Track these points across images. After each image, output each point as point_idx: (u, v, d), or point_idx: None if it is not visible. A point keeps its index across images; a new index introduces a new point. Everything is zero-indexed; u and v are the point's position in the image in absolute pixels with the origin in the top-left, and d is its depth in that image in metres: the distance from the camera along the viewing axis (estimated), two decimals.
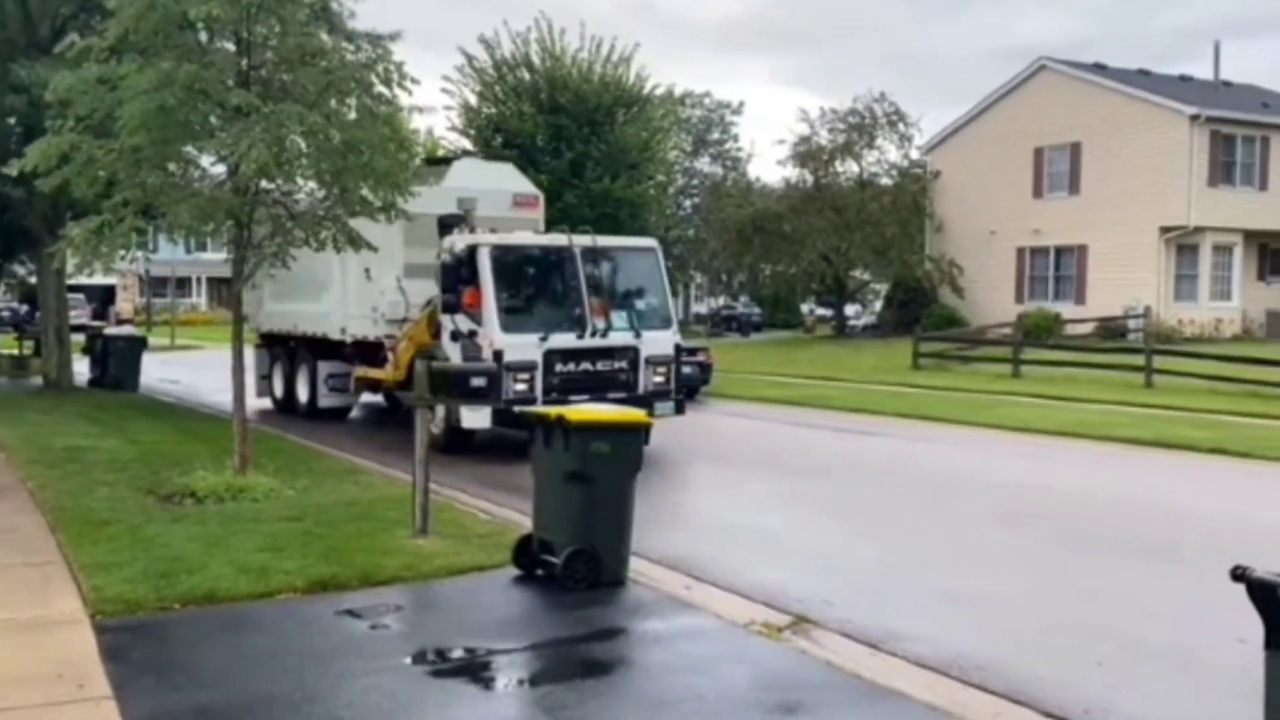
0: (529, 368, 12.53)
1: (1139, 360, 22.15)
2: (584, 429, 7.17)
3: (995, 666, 5.83)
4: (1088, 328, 31.32)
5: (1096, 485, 11.79)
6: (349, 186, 10.39)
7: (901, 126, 39.35)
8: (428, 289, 13.90)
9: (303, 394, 17.37)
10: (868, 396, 20.67)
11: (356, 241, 10.76)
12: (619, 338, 13.17)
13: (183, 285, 63.21)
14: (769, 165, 59.41)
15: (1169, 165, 31.93)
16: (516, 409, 10.85)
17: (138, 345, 22.93)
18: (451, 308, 12.77)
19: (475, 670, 5.74)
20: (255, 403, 17.70)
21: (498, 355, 12.28)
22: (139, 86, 9.32)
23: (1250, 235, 33.14)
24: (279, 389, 18.16)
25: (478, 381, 8.54)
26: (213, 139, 9.89)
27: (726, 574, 7.70)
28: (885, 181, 39.49)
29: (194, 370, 27.18)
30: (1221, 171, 32.60)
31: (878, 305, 44.73)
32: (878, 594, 7.43)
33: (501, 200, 15.10)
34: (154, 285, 56.92)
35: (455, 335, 12.92)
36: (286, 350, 17.97)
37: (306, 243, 10.81)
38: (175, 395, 21.29)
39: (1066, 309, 33.09)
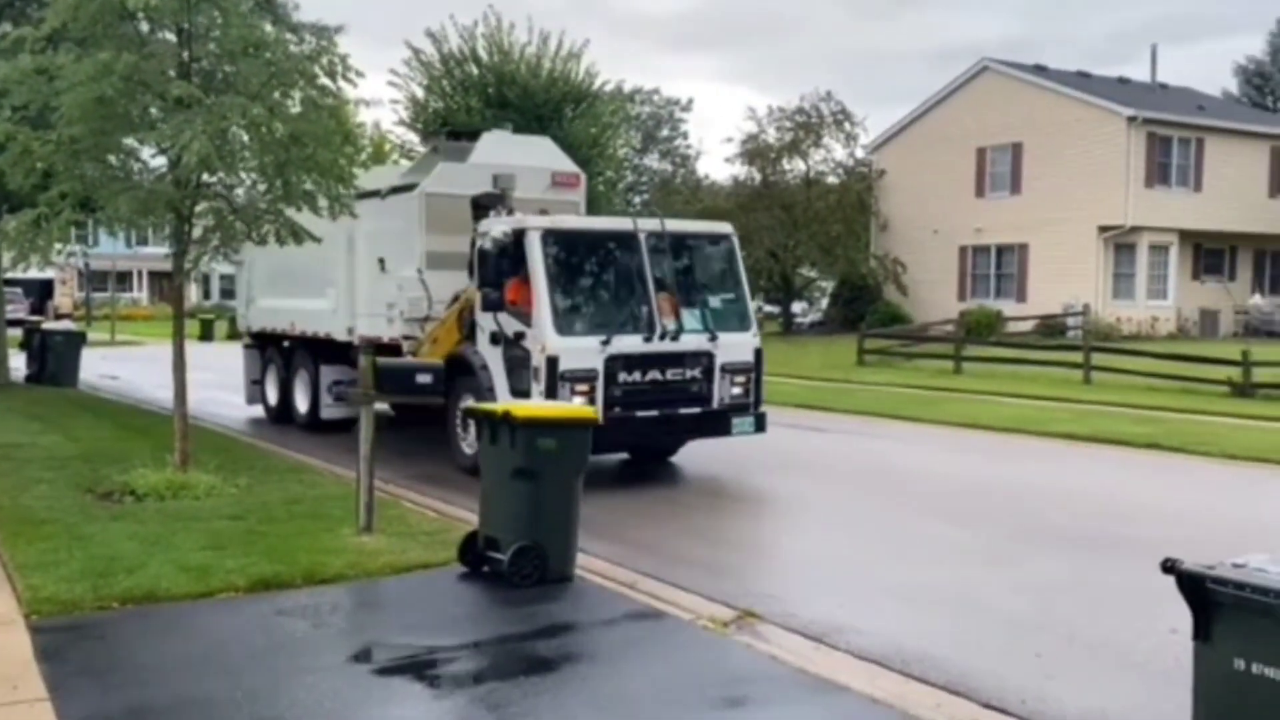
0: (589, 378, 10.45)
1: (1078, 357, 22.56)
2: (530, 425, 7.17)
3: (936, 659, 5.92)
4: (1028, 325, 31.85)
5: (1036, 479, 12.00)
6: (291, 180, 10.27)
7: (847, 125, 39.74)
8: (455, 282, 12.11)
9: (301, 403, 15.31)
10: (816, 393, 20.84)
11: (300, 235, 10.63)
12: (692, 341, 11.11)
13: (123, 279, 62.04)
14: (717, 163, 59.77)
15: (1107, 166, 32.55)
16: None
17: (76, 340, 22.49)
18: (492, 305, 10.76)
19: (420, 668, 5.71)
20: (246, 411, 16.69)
21: (552, 363, 10.35)
22: (77, 77, 9.14)
23: (1185, 235, 33.87)
24: (273, 396, 16.11)
25: (423, 378, 8.50)
26: (153, 131, 9.73)
27: (674, 570, 7.73)
28: (832, 180, 39.84)
29: (134, 366, 26.72)
30: (1158, 172, 33.30)
31: (824, 303, 45.10)
32: (823, 588, 7.50)
33: (538, 179, 12.94)
34: (93, 279, 55.82)
35: (496, 338, 11.00)
36: (282, 352, 15.92)
37: (249, 237, 10.67)
38: (115, 391, 20.91)
39: (1008, 307, 33.62)
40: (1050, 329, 31.49)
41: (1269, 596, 3.70)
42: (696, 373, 11.11)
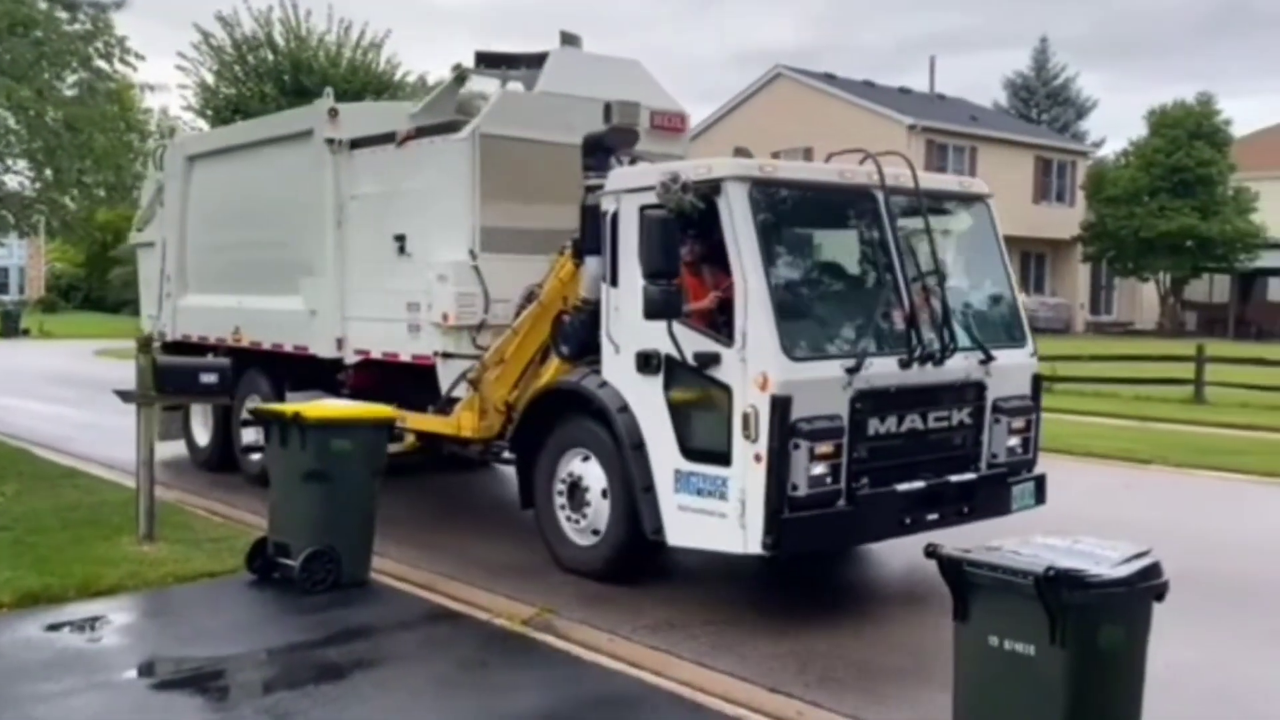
0: (834, 432, 6.34)
1: None
2: (322, 426, 7.00)
3: (724, 649, 6.11)
4: None
5: None
6: (63, 167, 9.68)
7: None
8: (524, 271, 8.27)
9: None
10: None
11: (72, 226, 10.03)
12: (959, 365, 7.04)
13: None
14: None
15: None
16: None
17: None
18: (665, 307, 6.39)
19: (203, 680, 5.51)
20: (160, 451, 11.85)
21: (780, 407, 6.14)
22: None
23: None
24: (203, 434, 11.57)
25: (208, 378, 8.13)
26: None
27: (468, 570, 7.70)
28: None
29: None
30: None
31: None
32: (617, 588, 7.60)
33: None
34: None
35: (652, 363, 6.77)
36: None
37: (16, 227, 10.00)
38: None
39: None
40: None
41: (1018, 577, 4.03)
42: (964, 416, 7.14)
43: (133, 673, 5.66)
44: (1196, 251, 37.15)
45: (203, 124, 30.87)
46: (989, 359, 7.18)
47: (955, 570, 4.24)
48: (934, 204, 7.47)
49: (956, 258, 7.83)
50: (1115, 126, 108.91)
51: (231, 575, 7.28)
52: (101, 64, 9.70)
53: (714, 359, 6.45)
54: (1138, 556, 4.18)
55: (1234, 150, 38.75)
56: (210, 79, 31.52)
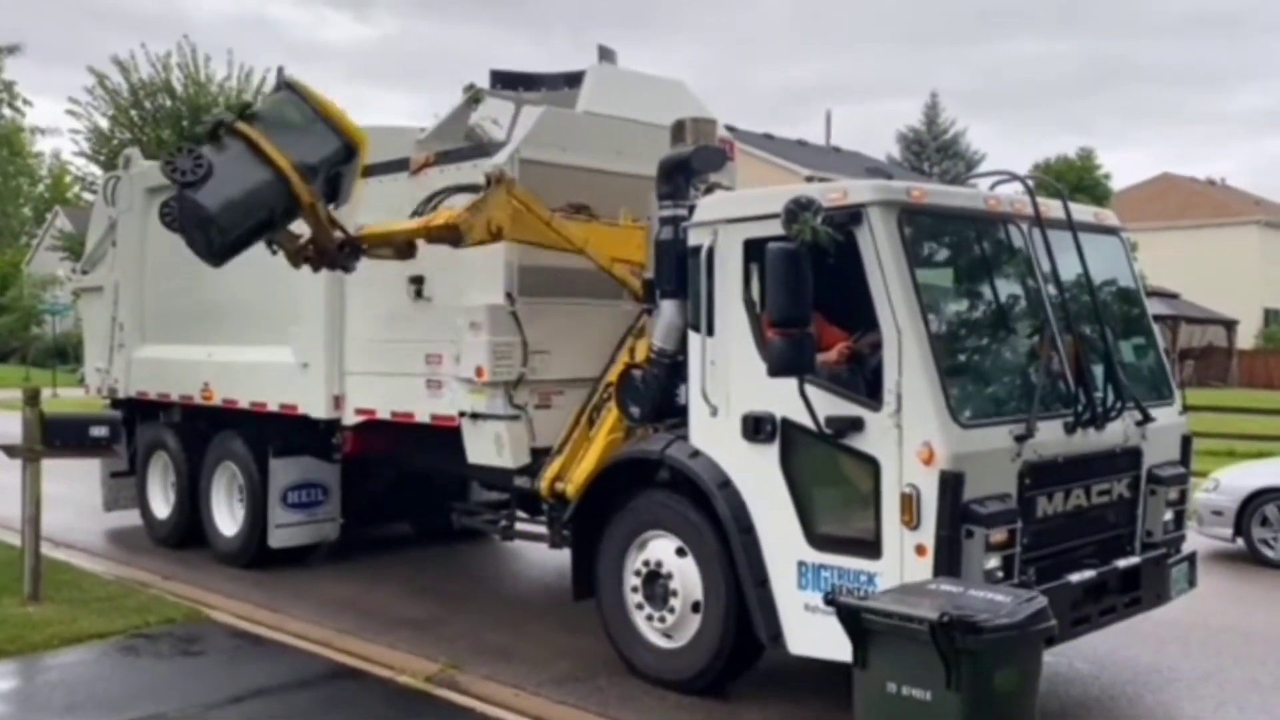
0: (1008, 515, 5.35)
1: None
2: None
3: (628, 700, 6.10)
4: None
5: None
6: None
7: None
8: (566, 318, 7.42)
9: (225, 520, 9.52)
10: None
11: None
12: (1119, 428, 6.11)
13: None
14: None
15: None
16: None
17: None
18: (796, 361, 5.37)
19: None
20: (107, 520, 11.00)
21: (951, 485, 5.15)
22: None
23: None
24: (163, 504, 10.27)
25: (98, 431, 7.89)
26: None
27: (366, 623, 7.58)
28: None
29: None
30: None
31: None
32: (520, 641, 7.55)
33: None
34: None
35: (765, 429, 5.77)
36: (182, 431, 10.09)
37: None
38: None
39: None
40: None
41: (913, 624, 4.11)
42: (1123, 488, 6.21)
43: None
44: None
45: (95, 169, 30.18)
46: (1146, 419, 6.23)
47: (853, 618, 4.31)
48: (1070, 236, 6.25)
49: (1099, 297, 6.59)
50: None
51: (121, 636, 7.04)
52: None
53: (854, 425, 5.42)
54: (1028, 601, 4.31)
55: (1113, 202, 40.56)
56: (104, 124, 30.87)
